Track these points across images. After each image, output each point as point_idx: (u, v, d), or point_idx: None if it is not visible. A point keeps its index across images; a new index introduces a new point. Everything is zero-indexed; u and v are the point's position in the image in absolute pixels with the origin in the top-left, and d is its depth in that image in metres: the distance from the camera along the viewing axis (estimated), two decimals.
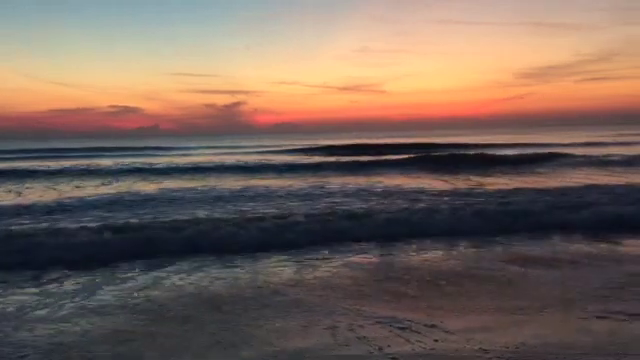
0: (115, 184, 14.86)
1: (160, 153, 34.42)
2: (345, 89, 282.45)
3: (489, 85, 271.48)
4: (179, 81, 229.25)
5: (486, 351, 3.32)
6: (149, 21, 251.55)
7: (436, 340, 3.52)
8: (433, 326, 3.77)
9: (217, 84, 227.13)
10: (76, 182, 15.59)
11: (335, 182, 14.15)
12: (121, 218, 8.63)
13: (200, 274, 5.40)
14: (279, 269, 5.59)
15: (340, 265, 5.69)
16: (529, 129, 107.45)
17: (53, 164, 22.23)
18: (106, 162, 23.21)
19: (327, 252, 6.32)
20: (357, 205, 9.75)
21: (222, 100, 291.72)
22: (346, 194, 11.57)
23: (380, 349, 3.40)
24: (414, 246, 6.57)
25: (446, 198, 10.38)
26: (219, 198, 11.29)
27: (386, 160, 21.20)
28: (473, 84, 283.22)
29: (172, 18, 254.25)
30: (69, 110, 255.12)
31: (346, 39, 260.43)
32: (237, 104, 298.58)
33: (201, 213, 9.20)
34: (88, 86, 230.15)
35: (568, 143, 32.57)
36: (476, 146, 31.80)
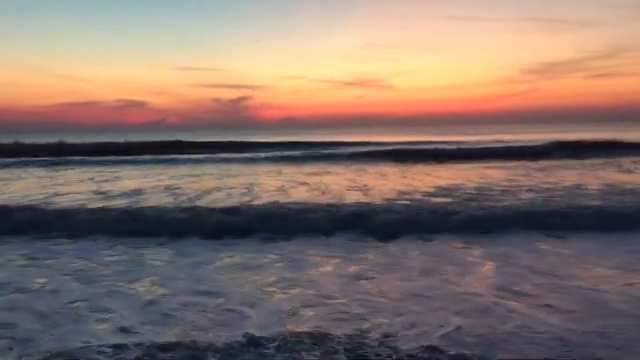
0: None
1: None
2: (352, 84, 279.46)
3: (494, 81, 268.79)
4: (185, 75, 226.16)
5: None
6: (156, 15, 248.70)
7: None
8: None
9: (223, 78, 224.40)
10: None
11: None
12: None
13: None
14: None
15: None
16: (532, 126, 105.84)
17: None
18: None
19: None
20: None
21: (228, 94, 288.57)
22: None
23: None
24: None
25: None
26: None
27: None
28: (478, 80, 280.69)
29: (179, 12, 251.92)
30: (76, 104, 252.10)
31: (352, 34, 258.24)
32: (243, 98, 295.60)
33: None
34: (94, 80, 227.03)
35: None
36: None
